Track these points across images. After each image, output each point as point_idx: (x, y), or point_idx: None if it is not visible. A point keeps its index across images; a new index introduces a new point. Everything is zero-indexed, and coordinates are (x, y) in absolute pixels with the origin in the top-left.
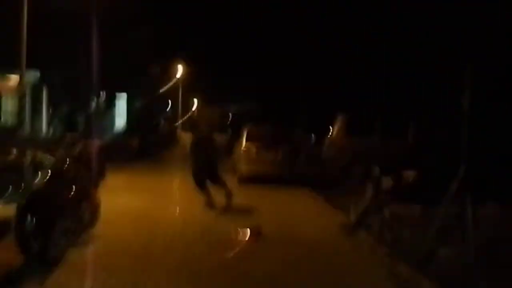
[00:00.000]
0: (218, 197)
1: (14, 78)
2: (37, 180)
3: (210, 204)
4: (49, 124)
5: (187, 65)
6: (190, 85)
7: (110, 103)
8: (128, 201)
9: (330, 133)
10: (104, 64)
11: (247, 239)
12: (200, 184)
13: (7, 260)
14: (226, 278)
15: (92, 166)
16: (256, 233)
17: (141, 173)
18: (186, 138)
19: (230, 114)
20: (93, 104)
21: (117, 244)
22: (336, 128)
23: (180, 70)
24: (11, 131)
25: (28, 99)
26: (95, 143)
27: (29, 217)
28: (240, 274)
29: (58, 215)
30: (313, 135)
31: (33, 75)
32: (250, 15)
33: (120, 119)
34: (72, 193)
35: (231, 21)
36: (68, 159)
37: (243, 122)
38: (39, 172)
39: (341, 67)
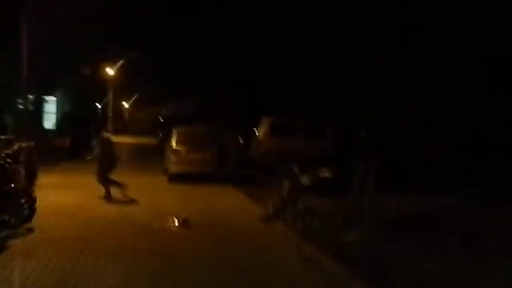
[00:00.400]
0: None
1: None
2: None
3: (108, 197)
4: None
5: (119, 65)
6: (123, 86)
7: (40, 104)
8: (63, 197)
9: (256, 135)
10: (33, 63)
11: (176, 226)
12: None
13: None
14: (156, 257)
15: (27, 165)
16: (183, 222)
17: (73, 172)
18: (116, 139)
19: (161, 117)
20: (21, 105)
21: (55, 233)
22: (261, 130)
23: (111, 70)
24: None
25: None
26: (29, 144)
27: None
28: (169, 254)
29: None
30: (241, 136)
31: None
32: (184, 14)
33: (50, 121)
34: (10, 189)
35: (168, 20)
36: (6, 158)
37: (174, 124)
38: None
39: (266, 72)
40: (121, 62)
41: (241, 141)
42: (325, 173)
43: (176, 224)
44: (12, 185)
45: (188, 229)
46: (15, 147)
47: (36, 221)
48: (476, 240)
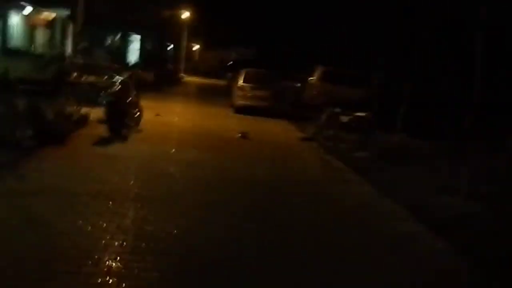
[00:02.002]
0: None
1: (45, 13)
2: (113, 89)
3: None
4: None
5: (192, 10)
6: (195, 29)
7: (126, 41)
8: (152, 115)
9: (309, 81)
10: (120, 5)
11: (239, 137)
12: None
13: (100, 131)
14: (222, 153)
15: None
16: (244, 135)
17: (159, 100)
18: (188, 79)
19: (229, 59)
20: (111, 41)
21: (153, 132)
22: (314, 77)
23: (185, 14)
24: (62, 59)
25: (58, 32)
26: (135, 72)
27: (113, 110)
28: (234, 152)
29: (127, 110)
30: (297, 81)
31: (63, 12)
32: None
33: (134, 56)
34: (131, 99)
35: None
36: (128, 79)
37: (241, 66)
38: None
39: (324, 27)
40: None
41: (297, 84)
42: (360, 114)
43: (239, 135)
44: (132, 97)
45: (246, 139)
46: (128, 73)
47: (142, 124)
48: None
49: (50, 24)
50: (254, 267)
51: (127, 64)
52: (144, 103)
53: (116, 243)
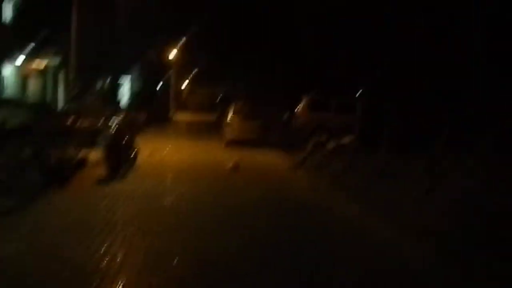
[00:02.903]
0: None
1: (37, 61)
2: (109, 132)
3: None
4: (67, 100)
5: (181, 49)
6: (184, 67)
7: (116, 84)
8: (150, 150)
9: (297, 110)
10: (109, 51)
11: (230, 169)
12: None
13: (100, 172)
14: (216, 182)
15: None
16: (235, 167)
17: (153, 138)
18: (179, 116)
19: (217, 95)
20: (102, 84)
21: (149, 169)
22: (301, 106)
23: (173, 53)
24: (55, 106)
25: (49, 80)
26: (128, 114)
27: (110, 151)
28: (226, 183)
29: (124, 150)
30: (285, 111)
31: (54, 60)
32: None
33: (125, 97)
34: (126, 139)
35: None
36: (123, 124)
37: (229, 101)
38: (110, 127)
39: (307, 57)
40: (179, 44)
41: (285, 115)
42: (346, 140)
43: (230, 167)
44: (126, 139)
45: (237, 169)
46: (123, 115)
47: (139, 161)
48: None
49: (42, 73)
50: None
51: (119, 105)
52: (138, 141)
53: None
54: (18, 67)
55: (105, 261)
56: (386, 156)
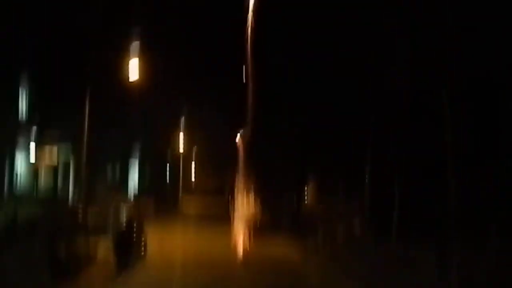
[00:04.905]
0: None
1: (47, 148)
2: (119, 221)
3: None
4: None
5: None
6: (188, 154)
7: (125, 169)
8: (160, 240)
9: (304, 198)
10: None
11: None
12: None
13: (109, 266)
14: (229, 276)
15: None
16: (246, 258)
17: (162, 225)
18: (187, 199)
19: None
20: (112, 170)
21: (159, 259)
22: (308, 194)
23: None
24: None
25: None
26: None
27: (120, 242)
28: (233, 273)
29: (133, 240)
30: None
31: (65, 147)
32: None
33: (133, 182)
34: (136, 228)
35: None
36: (131, 210)
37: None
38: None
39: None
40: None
41: (294, 202)
42: (356, 225)
43: (240, 258)
44: (136, 228)
45: (247, 262)
46: (133, 205)
47: (148, 251)
48: None
49: (53, 168)
50: None
51: (128, 190)
52: (147, 229)
53: None
54: (32, 164)
55: None
56: (398, 245)
